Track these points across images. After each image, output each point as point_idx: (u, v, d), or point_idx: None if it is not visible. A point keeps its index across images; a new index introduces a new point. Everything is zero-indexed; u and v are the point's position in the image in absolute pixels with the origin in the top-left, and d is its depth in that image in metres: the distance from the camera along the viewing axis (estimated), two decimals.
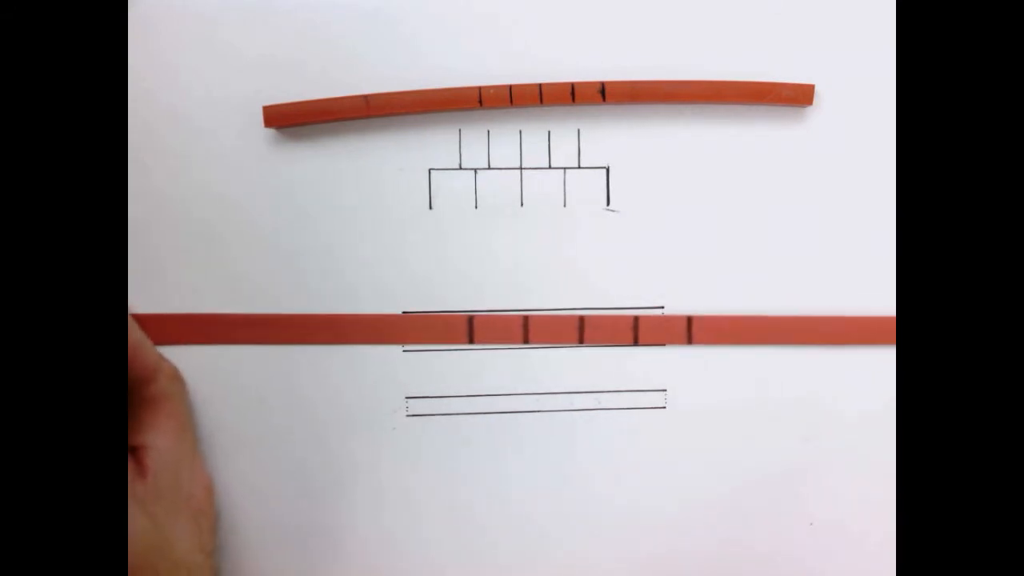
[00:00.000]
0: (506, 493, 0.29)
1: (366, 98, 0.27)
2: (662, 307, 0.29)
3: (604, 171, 0.29)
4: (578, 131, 0.29)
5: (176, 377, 0.28)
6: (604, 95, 0.28)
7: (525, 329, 0.29)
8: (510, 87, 0.28)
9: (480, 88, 0.28)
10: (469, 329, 0.29)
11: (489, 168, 0.29)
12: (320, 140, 0.28)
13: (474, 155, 0.29)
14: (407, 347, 0.29)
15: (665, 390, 0.29)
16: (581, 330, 0.29)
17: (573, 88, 0.28)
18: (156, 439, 0.26)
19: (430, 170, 0.29)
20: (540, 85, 0.28)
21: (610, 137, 0.29)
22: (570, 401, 0.29)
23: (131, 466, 0.25)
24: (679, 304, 0.29)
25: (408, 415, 0.29)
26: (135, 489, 0.25)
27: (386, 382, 0.29)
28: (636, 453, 0.30)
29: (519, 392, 0.29)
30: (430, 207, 0.29)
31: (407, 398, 0.29)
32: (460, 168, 0.29)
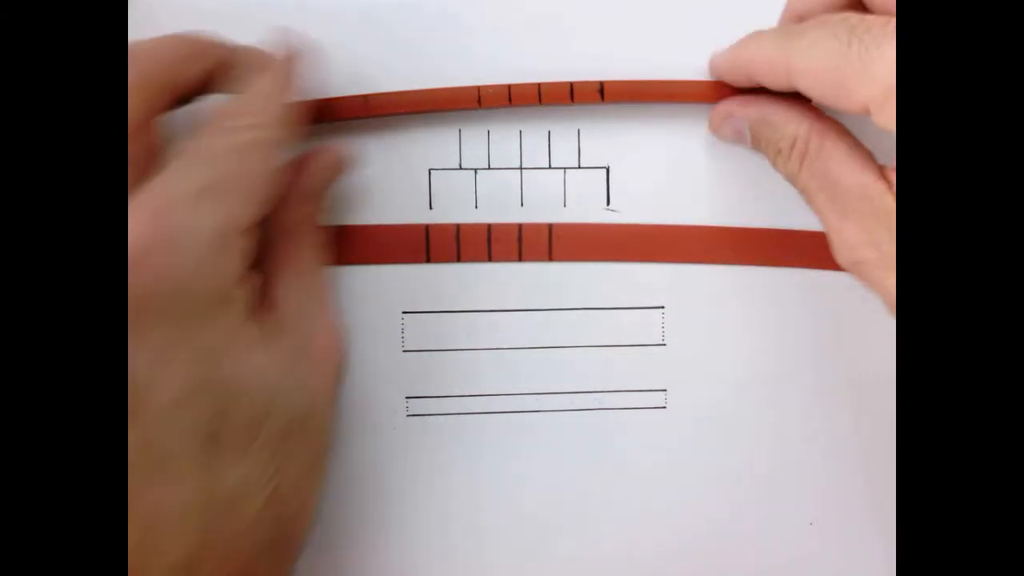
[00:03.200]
0: (506, 493, 0.29)
1: (366, 98, 0.27)
2: (662, 307, 0.29)
3: (604, 171, 0.29)
4: (578, 131, 0.29)
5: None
6: (603, 95, 0.28)
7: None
8: (509, 87, 0.28)
9: (479, 88, 0.28)
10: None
11: (489, 168, 0.29)
12: (320, 141, 0.28)
13: (474, 155, 0.29)
14: (407, 347, 0.29)
15: (665, 390, 0.29)
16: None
17: (572, 88, 0.28)
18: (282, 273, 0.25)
19: (430, 170, 0.29)
20: (539, 85, 0.28)
21: (610, 137, 0.29)
22: (570, 401, 0.29)
23: (256, 299, 0.24)
24: (679, 304, 0.29)
25: (408, 415, 0.29)
26: (261, 322, 0.24)
27: (386, 382, 0.29)
28: (636, 453, 0.30)
29: (519, 392, 0.29)
30: (430, 207, 0.29)
31: (407, 398, 0.29)
32: (460, 168, 0.29)
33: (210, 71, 0.25)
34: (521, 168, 0.29)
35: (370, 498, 0.29)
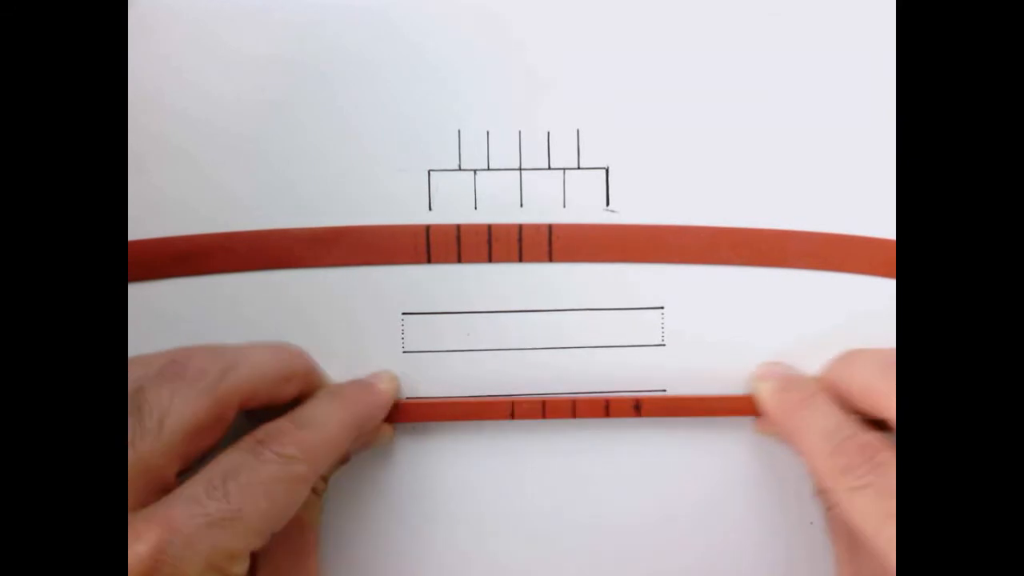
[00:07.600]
0: (506, 494, 0.29)
1: (398, 404, 0.29)
2: (662, 307, 0.29)
3: (604, 171, 0.29)
4: (578, 131, 0.29)
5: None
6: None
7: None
8: (543, 402, 0.29)
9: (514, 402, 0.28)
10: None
11: (489, 168, 0.29)
12: (317, 132, 0.28)
13: (474, 155, 0.29)
14: (407, 348, 0.29)
15: (665, 390, 0.29)
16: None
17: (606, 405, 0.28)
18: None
19: (430, 170, 0.29)
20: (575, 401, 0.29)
21: (610, 137, 0.29)
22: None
23: None
24: (679, 304, 0.29)
25: None
26: None
27: None
28: (636, 453, 0.30)
29: (519, 393, 0.29)
30: (430, 207, 0.29)
31: (407, 398, 0.29)
32: (460, 168, 0.29)
33: (298, 394, 0.25)
34: (521, 168, 0.29)
35: (368, 498, 0.29)
